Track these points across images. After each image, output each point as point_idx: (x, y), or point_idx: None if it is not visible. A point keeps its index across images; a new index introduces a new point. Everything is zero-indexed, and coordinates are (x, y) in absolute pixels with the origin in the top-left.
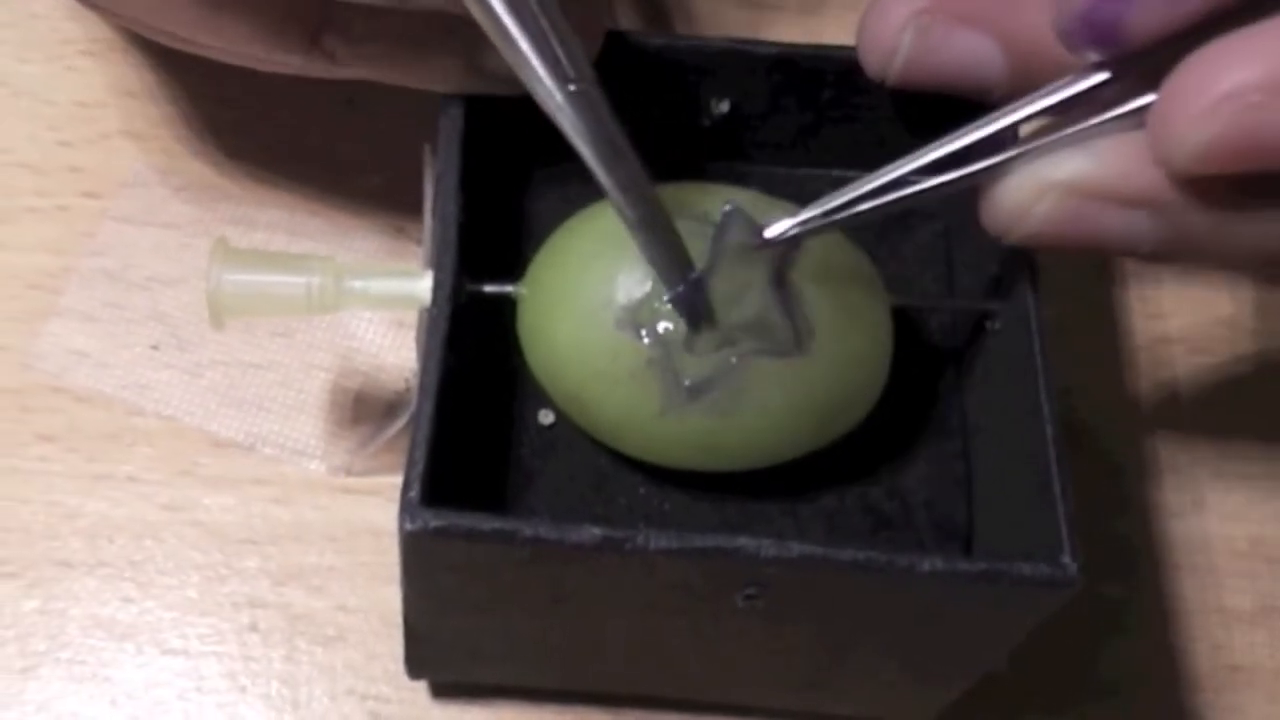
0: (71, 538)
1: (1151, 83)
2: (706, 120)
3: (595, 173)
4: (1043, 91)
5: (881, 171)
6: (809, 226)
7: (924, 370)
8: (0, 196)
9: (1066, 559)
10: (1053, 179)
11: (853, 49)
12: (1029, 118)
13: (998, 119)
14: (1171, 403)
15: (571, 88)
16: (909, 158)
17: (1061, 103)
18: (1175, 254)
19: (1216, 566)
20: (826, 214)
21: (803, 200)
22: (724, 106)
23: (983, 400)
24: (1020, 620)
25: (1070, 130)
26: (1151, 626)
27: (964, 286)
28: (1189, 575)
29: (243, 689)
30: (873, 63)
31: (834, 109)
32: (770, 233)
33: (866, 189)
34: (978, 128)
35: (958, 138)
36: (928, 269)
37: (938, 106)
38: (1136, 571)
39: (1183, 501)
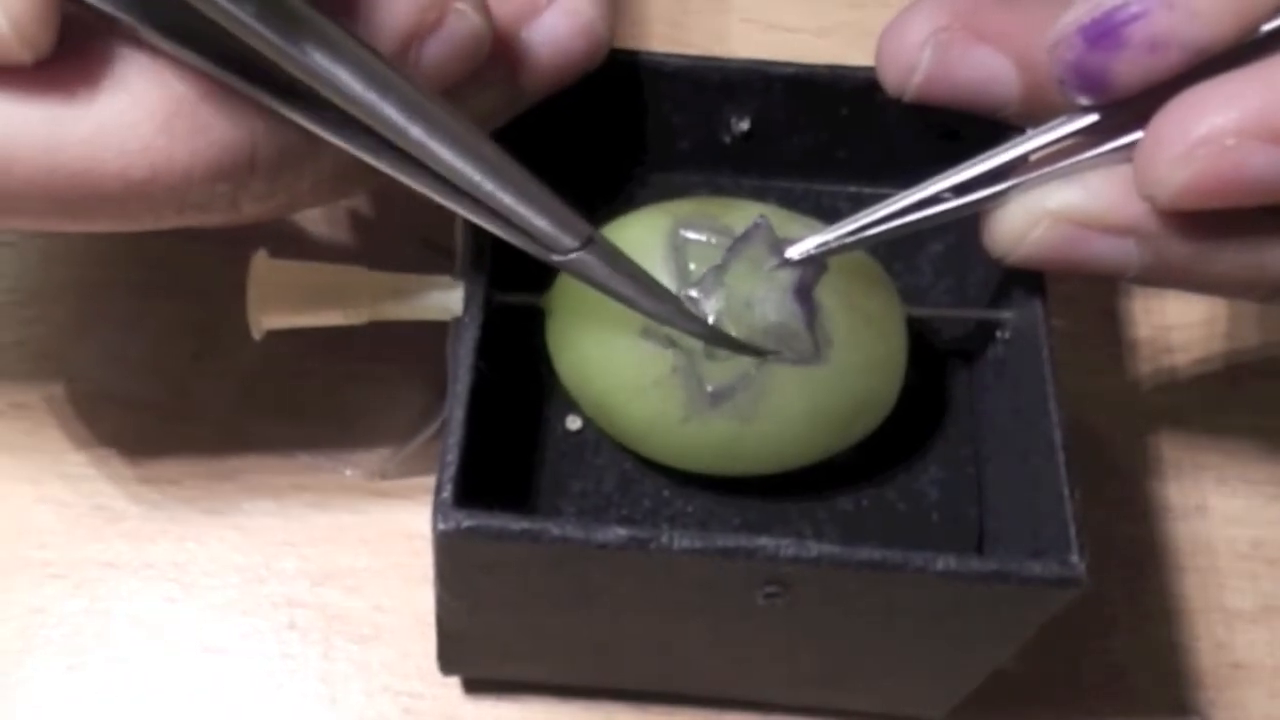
0: (116, 540)
1: (1139, 120)
2: (728, 137)
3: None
4: (1043, 129)
5: (894, 200)
6: (827, 248)
7: (937, 377)
8: None
9: (1074, 558)
10: (1046, 207)
11: (869, 69)
12: (1029, 153)
13: (1000, 153)
14: (1175, 410)
15: (555, 257)
16: (919, 187)
17: (1060, 139)
18: (1159, 279)
19: (1219, 568)
20: (842, 238)
21: (821, 215)
22: (745, 124)
23: (994, 406)
24: (1030, 616)
25: (1063, 164)
26: (1156, 625)
27: (975, 297)
28: (1192, 576)
29: (281, 686)
30: (891, 78)
31: (851, 127)
32: (792, 253)
33: (880, 215)
34: (982, 161)
35: (964, 169)
36: (941, 280)
37: (951, 125)
38: (1142, 572)
39: (1186, 505)
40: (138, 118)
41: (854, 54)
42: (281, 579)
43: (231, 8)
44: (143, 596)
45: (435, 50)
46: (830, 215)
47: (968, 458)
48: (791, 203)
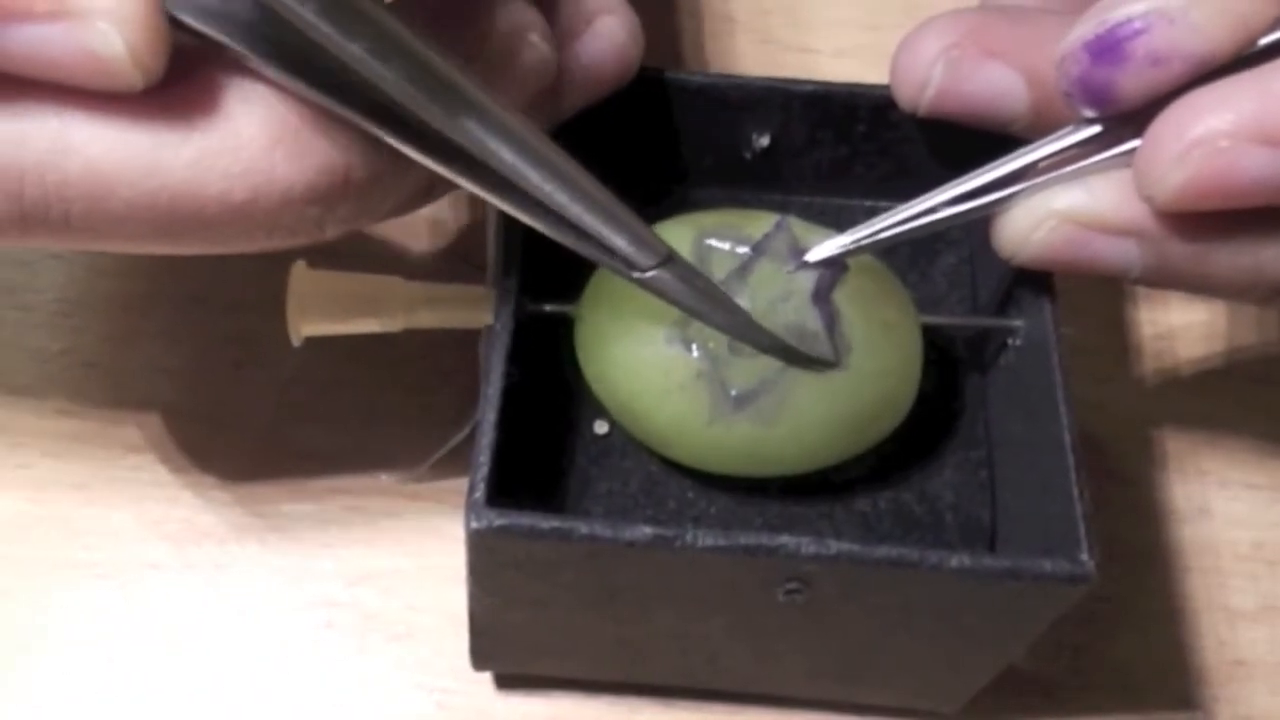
0: (160, 542)
1: (1142, 129)
2: (748, 153)
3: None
4: (1050, 138)
5: (910, 204)
6: (845, 250)
7: (951, 383)
8: None
9: (1084, 556)
10: (1051, 208)
11: (884, 87)
12: (1037, 160)
13: (1010, 161)
14: (1180, 417)
15: (635, 275)
16: (934, 192)
17: (1066, 148)
18: (1160, 280)
19: (1221, 568)
20: (859, 240)
21: (839, 228)
22: (764, 140)
23: (1005, 411)
24: (1040, 613)
25: (1069, 169)
26: (1161, 623)
27: (987, 306)
28: (1196, 576)
29: (319, 683)
30: (905, 94)
31: (867, 143)
32: (811, 256)
33: (896, 219)
34: (993, 168)
35: (976, 176)
36: (954, 290)
37: (963, 142)
38: (1148, 572)
39: (1190, 508)
40: (241, 142)
41: (871, 74)
42: (318, 580)
43: (351, 47)
44: (184, 596)
45: (511, 81)
46: (848, 229)
47: (980, 461)
48: (810, 216)
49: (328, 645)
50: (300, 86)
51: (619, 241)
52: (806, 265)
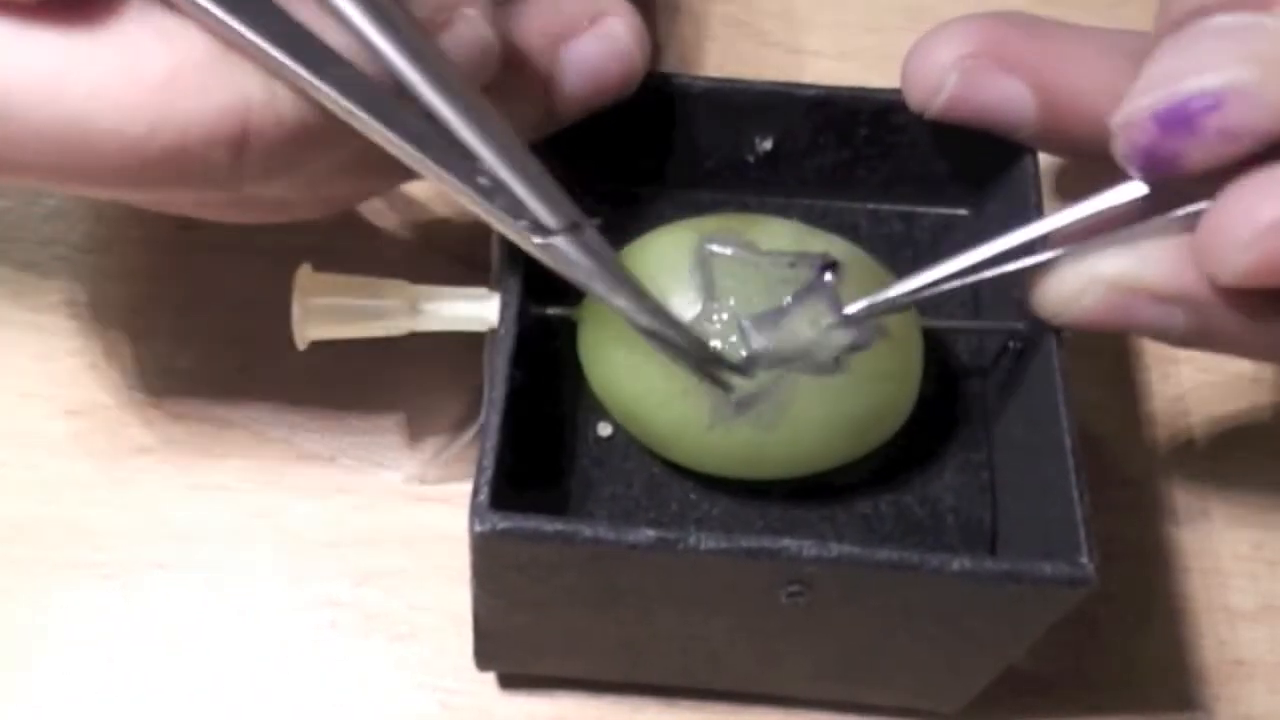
0: (166, 542)
1: (1191, 191)
2: (751, 156)
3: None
4: (1093, 200)
5: (953, 260)
6: (888, 307)
7: (952, 387)
8: (102, 228)
9: (1084, 559)
10: (1100, 274)
11: (886, 91)
12: (1079, 221)
13: (1052, 221)
14: (1180, 419)
15: (537, 240)
16: (973, 251)
17: (1112, 210)
18: (1202, 343)
19: (1221, 569)
20: (902, 297)
21: (841, 231)
22: (767, 144)
23: (1006, 414)
24: (1040, 615)
25: (1117, 231)
26: (1162, 623)
27: (989, 310)
28: (1196, 576)
29: (323, 682)
30: (916, 96)
31: (869, 147)
32: (851, 310)
33: (937, 276)
34: (1035, 228)
35: (1018, 235)
36: (955, 294)
37: (964, 146)
38: (1148, 573)
39: (1190, 509)
40: (139, 75)
41: (873, 77)
42: (323, 579)
43: None
44: (189, 596)
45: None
46: (850, 231)
47: (981, 463)
48: (813, 219)
49: (330, 645)
50: (211, 6)
51: (527, 197)
52: (844, 320)
